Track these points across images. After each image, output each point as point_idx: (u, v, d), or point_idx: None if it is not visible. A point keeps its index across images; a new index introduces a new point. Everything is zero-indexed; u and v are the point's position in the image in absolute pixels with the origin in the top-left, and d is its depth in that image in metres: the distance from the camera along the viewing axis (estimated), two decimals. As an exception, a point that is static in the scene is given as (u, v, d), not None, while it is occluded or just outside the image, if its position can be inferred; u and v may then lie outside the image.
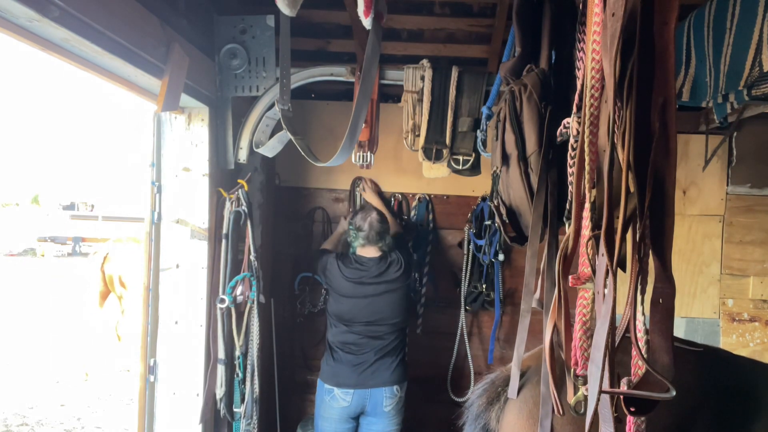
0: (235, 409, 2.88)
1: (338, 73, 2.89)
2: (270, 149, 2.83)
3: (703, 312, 3.57)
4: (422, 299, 3.67)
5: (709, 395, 1.42)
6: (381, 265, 2.94)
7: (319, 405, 2.94)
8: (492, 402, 1.59)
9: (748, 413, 1.39)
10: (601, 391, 0.84)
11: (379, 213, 3.01)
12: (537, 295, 1.39)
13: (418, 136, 2.90)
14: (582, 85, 1.00)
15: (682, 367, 1.43)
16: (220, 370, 2.76)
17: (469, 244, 3.60)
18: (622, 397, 0.88)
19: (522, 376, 1.56)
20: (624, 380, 0.91)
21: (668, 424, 1.35)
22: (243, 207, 2.78)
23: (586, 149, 0.95)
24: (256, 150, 2.85)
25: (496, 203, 1.77)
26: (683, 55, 2.12)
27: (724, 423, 1.39)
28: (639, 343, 0.88)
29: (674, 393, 0.81)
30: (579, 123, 0.99)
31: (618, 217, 0.84)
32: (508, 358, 3.74)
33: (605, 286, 0.87)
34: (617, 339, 0.86)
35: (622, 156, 0.84)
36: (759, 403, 1.40)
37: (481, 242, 3.51)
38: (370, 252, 2.97)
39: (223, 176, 2.88)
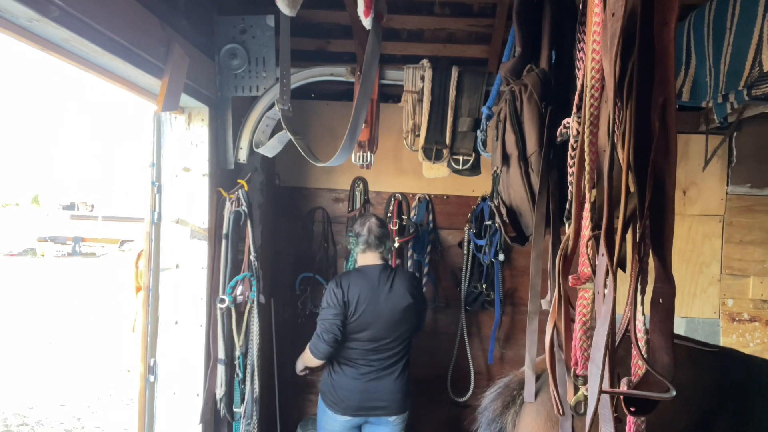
0: (235, 409, 2.88)
1: (338, 73, 2.90)
2: (270, 149, 2.83)
3: (703, 312, 3.57)
4: (422, 299, 3.67)
5: (728, 395, 1.42)
6: (386, 273, 2.81)
7: (321, 417, 2.87)
8: (508, 406, 1.57)
9: (760, 413, 1.39)
10: (601, 391, 0.84)
11: (378, 218, 2.92)
12: (548, 296, 1.38)
13: (418, 136, 2.90)
14: (582, 85, 1.00)
15: (701, 367, 1.43)
16: (220, 370, 2.76)
17: (469, 244, 3.60)
18: (622, 397, 0.88)
19: (537, 378, 1.54)
20: (624, 380, 0.91)
21: (689, 424, 1.35)
22: (243, 207, 2.78)
23: (586, 149, 0.95)
24: (256, 150, 2.85)
25: (496, 203, 1.77)
26: (683, 55, 2.12)
27: (743, 423, 1.38)
28: (639, 343, 0.88)
29: (674, 393, 0.81)
30: (579, 123, 0.99)
31: (618, 217, 0.84)
32: (508, 358, 3.75)
33: (605, 286, 0.87)
34: (617, 339, 0.86)
35: (622, 156, 0.84)
36: None
37: (481, 242, 3.51)
38: (372, 259, 2.85)
39: (223, 176, 2.88)
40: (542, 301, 1.44)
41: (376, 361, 2.76)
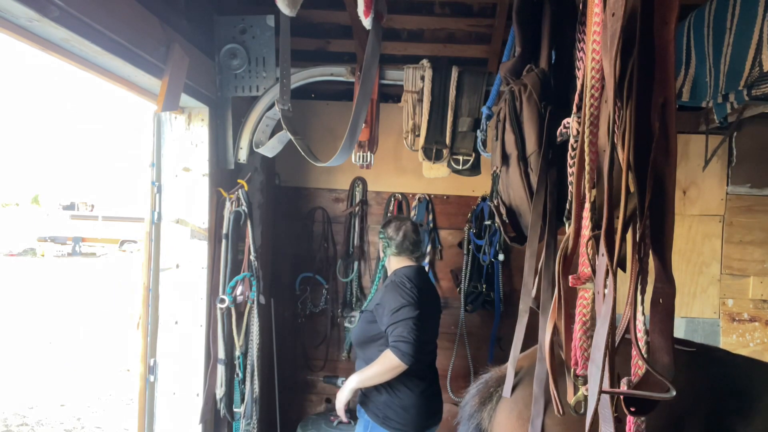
0: (235, 409, 2.88)
1: (338, 73, 2.90)
2: (270, 149, 2.83)
3: (703, 312, 3.57)
4: (422, 299, 3.66)
5: (701, 396, 1.40)
6: (427, 275, 2.71)
7: None
8: (484, 402, 1.60)
9: (743, 414, 1.38)
10: (601, 391, 0.84)
11: (414, 223, 2.75)
12: (533, 294, 1.39)
13: (418, 136, 2.90)
14: (582, 85, 1.00)
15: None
16: (220, 370, 2.76)
17: (469, 244, 3.60)
18: (622, 397, 0.88)
19: (515, 375, 1.57)
20: (624, 380, 0.91)
21: (659, 426, 1.35)
22: (243, 207, 2.78)
23: (586, 149, 0.95)
24: (256, 150, 2.85)
25: (496, 203, 1.77)
26: (683, 55, 2.12)
27: (717, 424, 1.37)
28: (639, 343, 0.88)
29: (674, 393, 0.81)
30: (579, 123, 0.99)
31: (618, 217, 0.84)
32: (508, 358, 3.74)
33: (605, 286, 0.87)
34: (617, 339, 0.86)
35: (622, 156, 0.84)
36: (754, 403, 1.39)
37: (481, 242, 3.51)
38: (407, 262, 2.69)
39: (223, 176, 2.88)
40: (531, 298, 1.44)
41: (432, 370, 2.64)
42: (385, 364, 2.36)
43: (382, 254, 2.80)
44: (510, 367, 1.53)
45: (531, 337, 1.47)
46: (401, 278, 2.52)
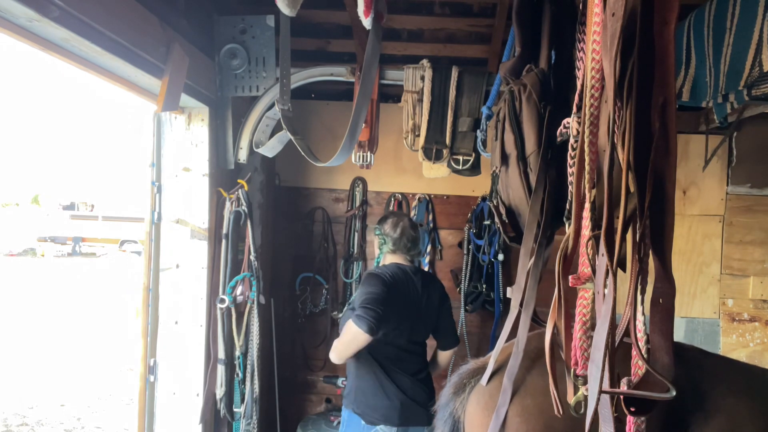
0: (235, 409, 2.88)
1: (338, 73, 2.90)
2: (270, 149, 2.83)
3: (703, 312, 3.57)
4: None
5: None
6: (420, 274, 2.63)
7: (349, 430, 2.54)
8: (458, 392, 1.65)
9: (704, 413, 1.36)
10: (601, 391, 0.84)
11: (411, 220, 2.70)
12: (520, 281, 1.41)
13: (418, 136, 2.90)
14: (582, 85, 1.00)
15: None
16: (220, 370, 2.76)
17: (469, 244, 3.60)
18: (622, 397, 0.88)
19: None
20: (624, 380, 0.91)
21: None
22: (243, 207, 2.78)
23: (586, 149, 0.95)
24: (256, 150, 2.85)
25: (495, 203, 1.78)
26: (683, 55, 2.12)
27: (677, 423, 1.36)
28: (639, 343, 0.88)
29: (674, 393, 0.81)
30: (579, 123, 0.99)
31: (618, 217, 0.84)
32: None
33: (605, 286, 0.87)
34: (617, 339, 0.86)
35: (622, 156, 0.84)
36: (716, 402, 1.37)
37: (481, 242, 3.52)
38: (401, 260, 2.65)
39: (223, 176, 2.88)
40: (509, 288, 1.46)
41: (410, 365, 2.56)
42: (347, 333, 2.36)
43: (377, 251, 2.76)
44: (492, 358, 1.55)
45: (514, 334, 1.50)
46: (367, 275, 2.51)
